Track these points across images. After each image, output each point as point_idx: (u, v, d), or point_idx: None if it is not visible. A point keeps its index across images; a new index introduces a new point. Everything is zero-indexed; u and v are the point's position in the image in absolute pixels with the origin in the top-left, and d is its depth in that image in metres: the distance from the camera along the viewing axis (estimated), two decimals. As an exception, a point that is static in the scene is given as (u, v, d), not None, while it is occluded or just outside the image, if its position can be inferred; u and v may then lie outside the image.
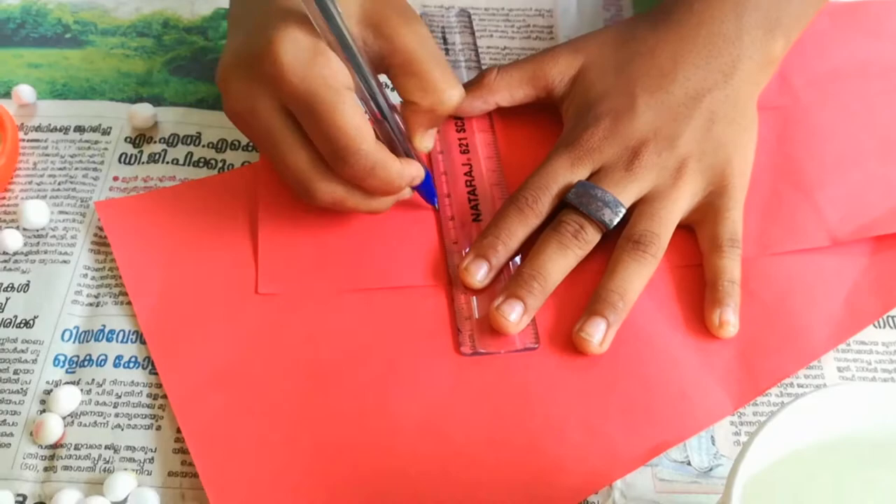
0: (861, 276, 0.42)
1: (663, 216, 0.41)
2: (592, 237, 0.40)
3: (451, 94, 0.38)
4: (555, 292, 0.40)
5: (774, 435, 0.26)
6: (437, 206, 0.43)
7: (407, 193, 0.40)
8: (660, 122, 0.42)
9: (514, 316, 0.38)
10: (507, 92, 0.45)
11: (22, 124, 0.46)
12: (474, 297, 0.40)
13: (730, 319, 0.39)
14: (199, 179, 0.44)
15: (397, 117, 0.39)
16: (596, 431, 0.37)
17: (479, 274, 0.40)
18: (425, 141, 0.40)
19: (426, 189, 0.42)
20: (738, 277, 0.40)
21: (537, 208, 0.41)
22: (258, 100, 0.36)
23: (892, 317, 0.41)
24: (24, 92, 0.46)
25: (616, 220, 0.40)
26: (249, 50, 0.36)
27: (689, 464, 0.37)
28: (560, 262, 0.40)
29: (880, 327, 0.41)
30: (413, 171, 0.39)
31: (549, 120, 0.45)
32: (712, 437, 0.38)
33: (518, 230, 0.41)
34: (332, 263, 0.41)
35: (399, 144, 0.39)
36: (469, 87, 0.45)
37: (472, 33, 0.50)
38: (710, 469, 0.37)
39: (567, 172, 0.41)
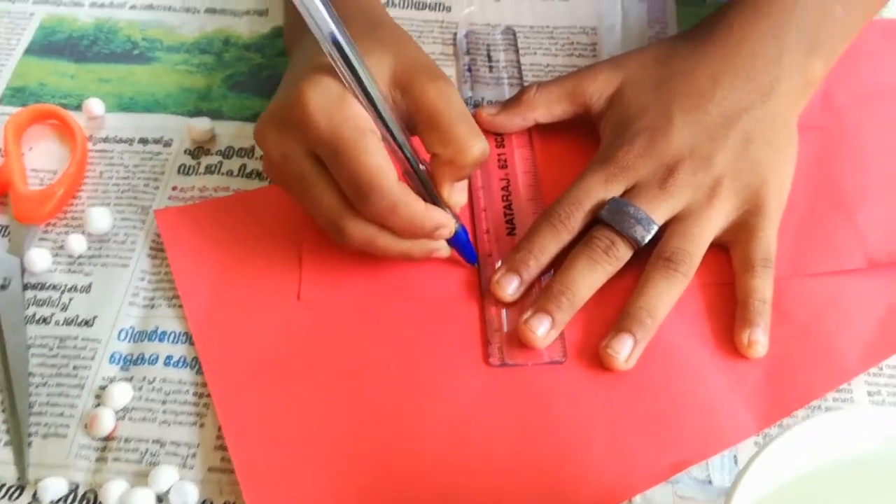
0: (894, 298, 0.41)
1: (696, 234, 0.41)
2: (623, 254, 0.41)
3: (472, 146, 0.38)
4: (584, 308, 0.41)
5: (773, 460, 0.27)
6: (476, 264, 0.43)
7: (444, 251, 0.41)
8: (696, 141, 0.42)
9: (542, 330, 0.39)
10: (546, 108, 0.46)
11: (91, 136, 0.49)
12: (504, 310, 0.41)
13: (759, 339, 0.40)
14: (250, 191, 0.46)
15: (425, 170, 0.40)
16: (618, 446, 0.38)
17: (511, 288, 0.41)
18: (454, 195, 0.41)
19: (462, 246, 0.42)
20: (769, 298, 0.40)
21: (570, 224, 0.42)
22: (289, 146, 0.38)
23: (929, 342, 0.41)
24: (94, 105, 0.49)
25: (648, 238, 0.41)
26: (283, 102, 0.38)
27: (710, 482, 0.38)
28: (590, 277, 0.40)
29: (916, 352, 0.40)
30: (439, 217, 0.39)
31: (588, 137, 0.46)
32: (735, 456, 0.38)
33: (550, 245, 0.42)
34: (370, 273, 0.43)
35: (429, 196, 0.40)
36: (509, 103, 0.47)
37: (517, 51, 0.51)
38: (732, 488, 0.37)
39: (601, 189, 0.42)
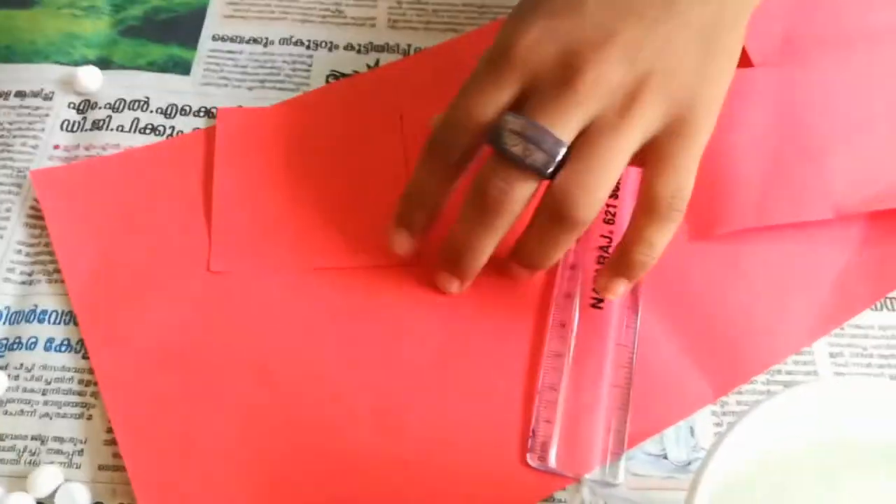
0: (855, 257, 0.38)
1: (604, 163, 0.32)
2: (524, 194, 0.33)
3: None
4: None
5: (744, 438, 0.23)
6: None
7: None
8: (617, 23, 0.32)
9: (454, 287, 0.36)
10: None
11: (-44, 89, 0.43)
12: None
13: (619, 290, 0.34)
14: (145, 146, 0.41)
15: None
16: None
17: (403, 246, 0.36)
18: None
19: None
20: (658, 254, 0.33)
21: (451, 156, 0.34)
22: None
23: (891, 299, 0.38)
24: None
25: (553, 166, 0.32)
26: None
27: (665, 457, 0.34)
28: (484, 239, 0.34)
29: (877, 310, 0.38)
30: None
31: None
32: (691, 428, 0.35)
33: (434, 186, 0.35)
34: (294, 239, 0.38)
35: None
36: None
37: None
38: (689, 463, 0.34)
39: (489, 97, 0.33)
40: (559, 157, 0.32)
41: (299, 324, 0.36)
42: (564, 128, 0.32)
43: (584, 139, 0.32)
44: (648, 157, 0.33)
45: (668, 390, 0.35)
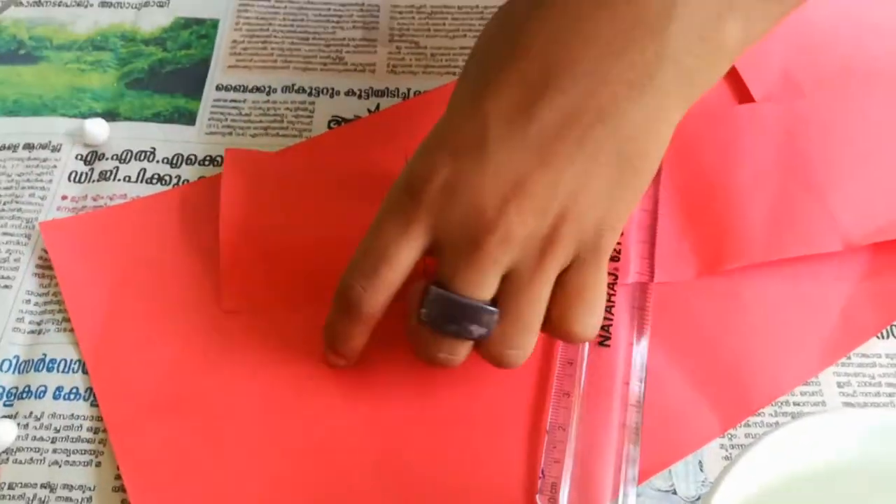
0: (859, 286, 0.38)
1: (527, 312, 0.31)
2: (465, 352, 0.33)
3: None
4: None
5: (749, 469, 0.23)
6: None
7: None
8: (521, 169, 0.30)
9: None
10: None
11: (-32, 144, 0.44)
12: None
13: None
14: (150, 196, 0.41)
15: None
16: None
17: (338, 365, 0.36)
18: None
19: None
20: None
21: (373, 309, 0.33)
22: None
23: (897, 326, 0.38)
24: None
25: (491, 328, 0.31)
26: None
27: (674, 493, 0.34)
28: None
29: (883, 338, 0.38)
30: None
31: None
32: (700, 462, 0.34)
33: (355, 336, 0.34)
34: (303, 277, 0.38)
35: None
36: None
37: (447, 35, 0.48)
38: (698, 498, 0.34)
39: (401, 247, 0.32)
40: (494, 323, 0.31)
41: (307, 365, 0.36)
42: (485, 288, 0.31)
43: (504, 296, 0.31)
44: (559, 292, 0.32)
45: (677, 425, 0.35)
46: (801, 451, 0.24)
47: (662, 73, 0.30)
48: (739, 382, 0.36)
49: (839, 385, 0.36)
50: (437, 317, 0.31)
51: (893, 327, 0.38)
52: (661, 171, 0.40)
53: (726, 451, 0.35)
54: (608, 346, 0.36)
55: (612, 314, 0.37)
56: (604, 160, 0.30)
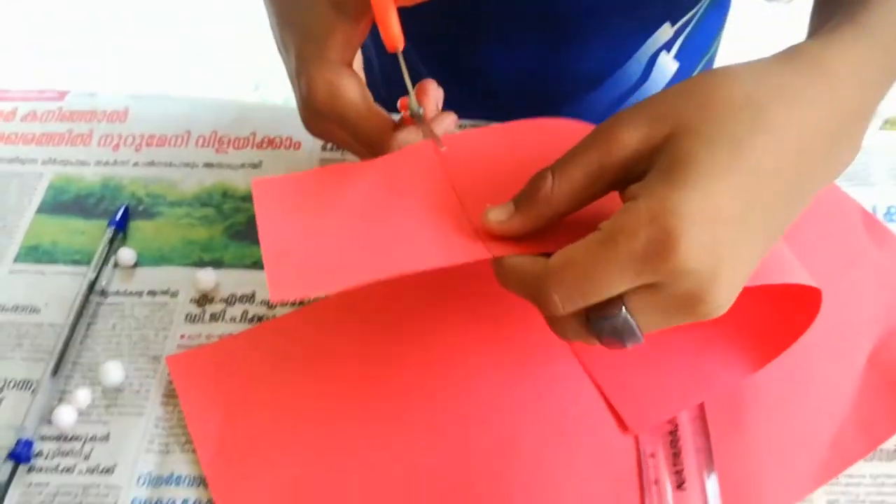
0: (849, 415, 0.45)
1: None
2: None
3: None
4: None
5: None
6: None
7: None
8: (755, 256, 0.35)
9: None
10: (570, 202, 0.36)
11: (103, 290, 0.53)
12: None
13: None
14: (255, 327, 0.50)
15: None
16: None
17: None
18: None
19: None
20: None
21: (569, 331, 0.36)
22: (322, 126, 0.46)
23: (880, 450, 0.45)
24: (126, 255, 0.54)
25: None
26: (305, 98, 0.44)
27: None
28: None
29: (868, 460, 0.44)
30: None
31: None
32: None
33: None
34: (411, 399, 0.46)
35: None
36: (522, 203, 0.37)
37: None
38: None
39: (623, 280, 0.33)
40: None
41: (432, 475, 0.43)
42: (649, 329, 0.35)
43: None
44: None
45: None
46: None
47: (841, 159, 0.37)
48: (747, 499, 0.43)
49: (829, 503, 0.43)
50: (610, 332, 0.35)
51: (877, 451, 0.45)
52: None
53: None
54: (684, 489, 0.43)
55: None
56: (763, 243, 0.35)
